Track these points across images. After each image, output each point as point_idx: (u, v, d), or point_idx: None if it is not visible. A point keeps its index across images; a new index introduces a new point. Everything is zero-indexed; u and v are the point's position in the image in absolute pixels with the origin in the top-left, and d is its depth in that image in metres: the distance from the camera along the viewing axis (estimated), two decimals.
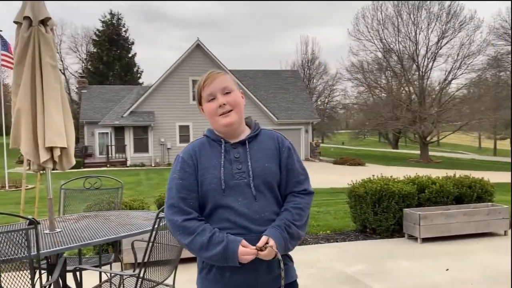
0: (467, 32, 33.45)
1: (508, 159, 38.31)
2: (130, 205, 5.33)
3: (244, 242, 1.61)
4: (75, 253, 4.34)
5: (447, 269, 4.72)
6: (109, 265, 3.88)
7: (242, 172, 1.67)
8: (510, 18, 33.91)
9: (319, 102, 51.21)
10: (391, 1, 34.52)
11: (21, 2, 3.17)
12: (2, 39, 13.18)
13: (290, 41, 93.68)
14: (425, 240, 5.89)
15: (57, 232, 3.10)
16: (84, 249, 5.39)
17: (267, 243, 1.61)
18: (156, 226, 2.54)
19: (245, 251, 1.60)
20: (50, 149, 3.14)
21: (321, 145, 37.99)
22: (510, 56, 34.78)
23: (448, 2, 33.41)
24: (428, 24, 34.07)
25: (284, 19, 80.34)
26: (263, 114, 26.74)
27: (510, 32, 33.84)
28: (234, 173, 1.66)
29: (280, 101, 30.24)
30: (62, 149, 3.19)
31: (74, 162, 3.33)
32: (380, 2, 34.86)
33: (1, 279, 2.39)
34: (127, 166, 25.60)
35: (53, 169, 3.26)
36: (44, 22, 3.19)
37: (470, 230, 6.06)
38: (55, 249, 2.65)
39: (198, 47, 26.61)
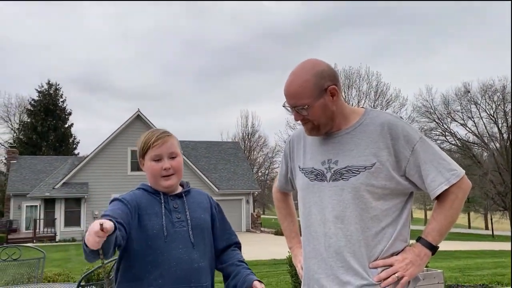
0: (393, 109, 36.34)
1: None
2: (54, 279, 4.86)
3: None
4: None
5: None
6: None
7: (182, 221, 1.73)
8: (511, 19, 36.59)
9: (259, 174, 51.87)
10: None
11: None
12: None
13: (231, 115, 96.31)
14: None
15: None
16: None
17: None
18: None
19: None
20: None
21: (262, 216, 37.85)
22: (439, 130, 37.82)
23: (375, 82, 36.40)
24: (358, 102, 36.68)
25: (225, 94, 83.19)
26: (204, 185, 26.30)
27: (432, 110, 37.11)
28: (174, 222, 1.71)
29: (221, 172, 30.23)
30: None
31: None
32: None
33: None
34: (56, 242, 23.79)
35: None
36: None
37: None
38: None
39: (138, 118, 26.51)
